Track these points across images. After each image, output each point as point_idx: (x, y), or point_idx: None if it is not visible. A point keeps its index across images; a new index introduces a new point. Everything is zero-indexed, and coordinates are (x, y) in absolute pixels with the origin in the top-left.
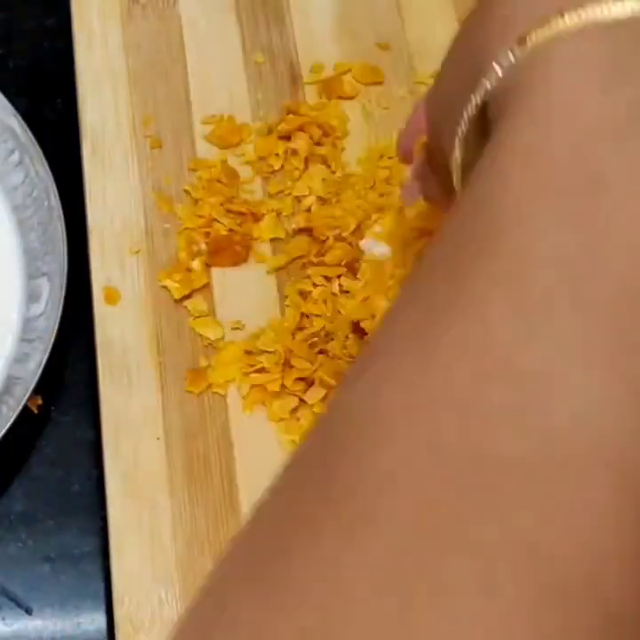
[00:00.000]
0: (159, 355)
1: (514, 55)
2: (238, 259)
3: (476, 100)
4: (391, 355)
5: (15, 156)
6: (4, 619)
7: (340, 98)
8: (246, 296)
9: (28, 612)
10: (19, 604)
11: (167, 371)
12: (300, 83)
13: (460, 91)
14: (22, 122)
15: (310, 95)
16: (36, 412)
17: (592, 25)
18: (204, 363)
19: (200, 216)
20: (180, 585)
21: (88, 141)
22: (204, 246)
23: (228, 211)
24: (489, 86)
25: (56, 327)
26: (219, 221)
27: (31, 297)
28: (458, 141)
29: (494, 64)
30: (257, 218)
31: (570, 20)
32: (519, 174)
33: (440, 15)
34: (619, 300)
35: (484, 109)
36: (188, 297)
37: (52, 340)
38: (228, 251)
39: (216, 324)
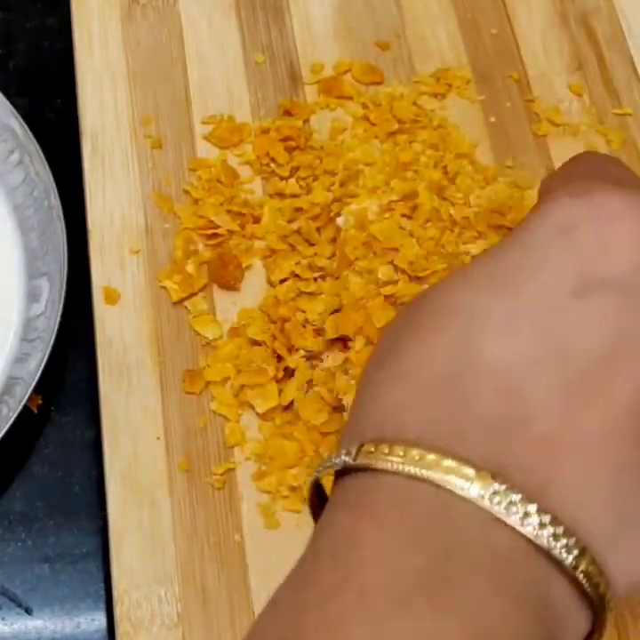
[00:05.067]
0: (159, 355)
1: (352, 456)
2: (235, 281)
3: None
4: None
5: (15, 156)
6: (3, 619)
7: (340, 97)
8: (246, 295)
9: (28, 611)
10: (19, 604)
11: (167, 371)
12: (300, 82)
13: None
14: (22, 122)
15: (310, 95)
16: (36, 411)
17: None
18: (202, 362)
19: (200, 216)
20: (179, 585)
21: (88, 141)
22: (201, 247)
23: (228, 211)
24: (335, 463)
25: (56, 327)
26: (217, 224)
27: (31, 297)
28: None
29: (342, 454)
30: (257, 218)
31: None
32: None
33: (440, 15)
34: None
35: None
36: (186, 298)
37: (52, 340)
38: (223, 273)
39: (215, 324)
